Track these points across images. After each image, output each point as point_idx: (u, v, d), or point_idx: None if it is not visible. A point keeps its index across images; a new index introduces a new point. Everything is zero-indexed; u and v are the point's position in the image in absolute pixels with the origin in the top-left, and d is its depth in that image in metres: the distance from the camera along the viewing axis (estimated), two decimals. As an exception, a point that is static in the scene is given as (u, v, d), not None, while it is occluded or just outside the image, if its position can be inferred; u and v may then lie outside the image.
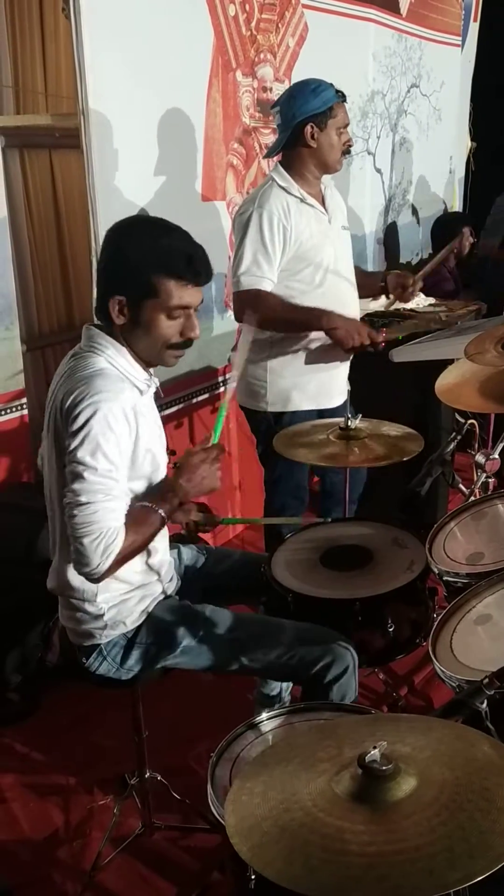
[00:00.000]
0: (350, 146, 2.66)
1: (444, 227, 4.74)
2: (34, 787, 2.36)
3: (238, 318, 2.75)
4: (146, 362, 1.79)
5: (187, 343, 1.76)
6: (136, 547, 1.70)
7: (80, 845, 2.15)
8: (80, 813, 2.25)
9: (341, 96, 2.58)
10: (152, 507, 1.73)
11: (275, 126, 2.67)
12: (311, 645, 1.82)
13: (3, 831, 2.21)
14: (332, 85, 2.57)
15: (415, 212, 5.07)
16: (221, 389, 3.52)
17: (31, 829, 2.22)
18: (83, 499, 1.62)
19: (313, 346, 2.67)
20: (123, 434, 1.66)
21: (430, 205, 5.28)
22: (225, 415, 1.94)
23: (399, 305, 3.12)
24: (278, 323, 2.60)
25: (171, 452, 1.92)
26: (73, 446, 1.63)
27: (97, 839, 2.13)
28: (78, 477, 1.63)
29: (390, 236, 4.80)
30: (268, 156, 2.85)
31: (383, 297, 3.01)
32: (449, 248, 3.01)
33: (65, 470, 1.66)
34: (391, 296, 2.95)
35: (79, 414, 1.62)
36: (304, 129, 2.55)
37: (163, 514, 1.73)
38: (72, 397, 1.64)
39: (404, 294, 2.92)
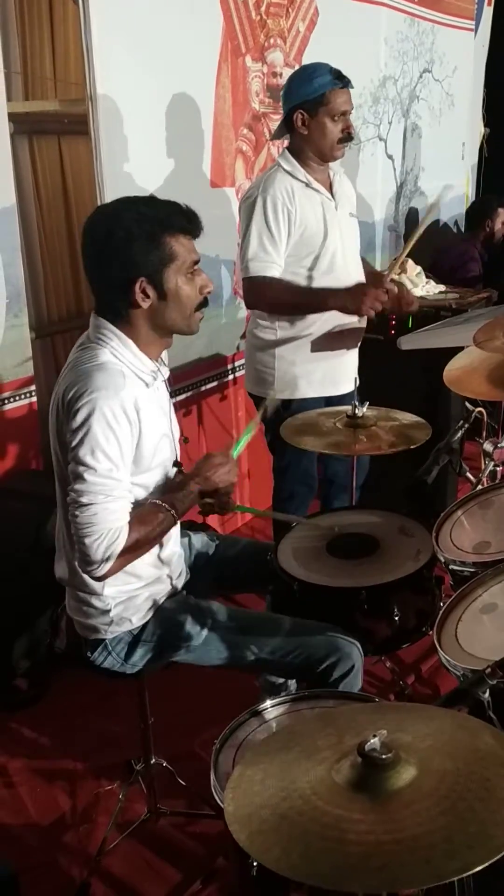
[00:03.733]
0: (349, 133, 2.58)
1: (480, 207, 4.71)
2: (41, 772, 2.37)
3: (248, 305, 2.74)
4: (179, 331, 1.76)
5: (206, 301, 1.75)
6: (142, 545, 1.69)
7: (86, 830, 2.17)
8: (87, 798, 2.27)
9: (342, 82, 2.52)
10: (163, 506, 1.71)
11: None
12: (318, 643, 1.82)
13: (10, 816, 2.23)
14: (331, 70, 2.51)
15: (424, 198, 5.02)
16: (230, 377, 3.52)
17: (38, 813, 2.24)
18: (84, 499, 1.62)
19: (320, 333, 2.66)
20: (125, 432, 1.65)
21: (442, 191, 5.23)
22: (251, 435, 1.92)
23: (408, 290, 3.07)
24: (287, 307, 2.59)
25: (176, 465, 1.90)
26: (73, 445, 1.62)
27: (103, 824, 2.15)
28: (79, 477, 1.62)
29: (406, 223, 4.77)
30: (272, 138, 2.79)
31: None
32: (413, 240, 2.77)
33: (67, 466, 1.66)
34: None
35: (78, 410, 1.61)
36: (293, 116, 2.54)
37: (174, 513, 1.72)
38: (72, 391, 1.63)
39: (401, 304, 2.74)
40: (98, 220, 1.70)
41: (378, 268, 3.70)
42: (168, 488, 1.79)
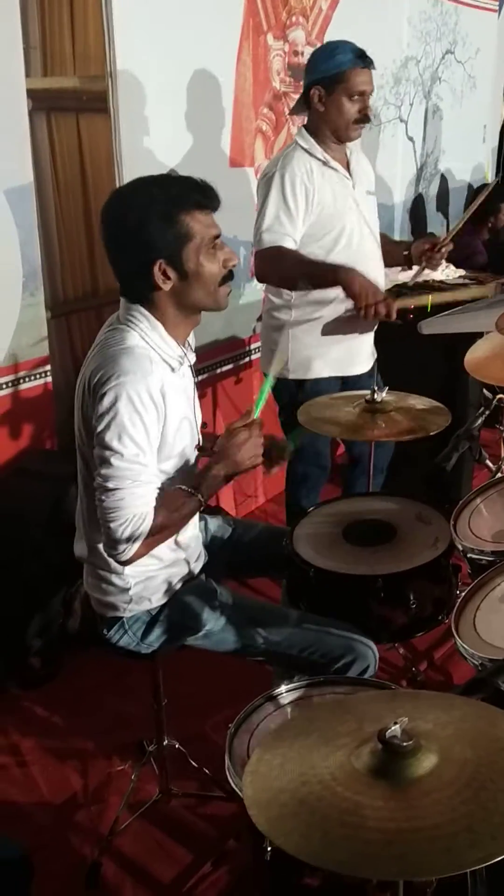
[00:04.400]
0: (365, 114, 2.53)
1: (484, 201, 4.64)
2: (54, 751, 2.38)
3: (259, 277, 2.72)
4: (206, 308, 1.73)
5: (231, 274, 1.71)
6: (168, 530, 1.69)
7: (97, 810, 2.18)
8: (99, 778, 2.28)
9: (364, 62, 2.48)
10: (189, 492, 1.70)
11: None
12: (335, 642, 1.81)
13: (23, 794, 2.24)
14: (354, 49, 2.48)
15: (445, 180, 4.97)
16: (246, 360, 3.49)
17: (50, 792, 2.25)
18: (111, 484, 1.61)
19: (333, 316, 2.64)
20: (151, 417, 1.63)
21: (462, 173, 5.18)
22: (269, 389, 1.87)
23: (428, 275, 3.05)
24: (296, 278, 2.55)
25: (200, 449, 1.88)
26: (99, 429, 1.61)
27: (115, 804, 2.15)
28: (105, 462, 1.61)
29: (418, 207, 4.72)
30: (291, 113, 2.75)
31: (412, 269, 2.94)
32: (472, 210, 2.87)
33: (93, 450, 1.65)
34: (417, 264, 2.87)
35: (104, 394, 1.59)
36: (310, 93, 2.51)
37: (200, 497, 1.71)
38: (98, 375, 1.61)
39: (432, 257, 2.77)
40: (113, 205, 1.68)
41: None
42: (195, 473, 1.77)
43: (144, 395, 1.61)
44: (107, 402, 1.59)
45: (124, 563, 1.70)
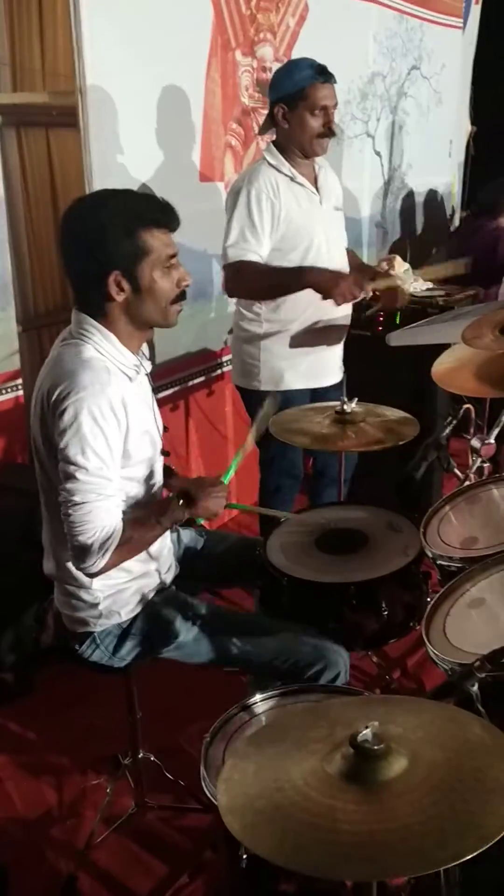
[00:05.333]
0: (329, 128, 2.56)
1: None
2: (28, 766, 2.37)
3: (228, 292, 2.75)
4: (156, 324, 1.76)
5: (184, 294, 1.75)
6: (134, 545, 1.71)
7: (73, 824, 2.17)
8: (74, 792, 2.27)
9: (324, 77, 2.51)
10: (154, 518, 1.73)
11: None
12: (306, 650, 1.82)
13: (-3, 809, 2.23)
14: (313, 65, 2.51)
15: (411, 195, 5.03)
16: (218, 372, 3.51)
17: (25, 807, 2.23)
18: (77, 498, 1.62)
19: (304, 326, 2.67)
20: (112, 429, 1.65)
21: (429, 188, 5.25)
22: (240, 461, 1.93)
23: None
24: (263, 289, 2.60)
25: (164, 453, 1.91)
26: (62, 445, 1.62)
27: (90, 818, 2.15)
28: (70, 477, 1.62)
29: (393, 220, 4.79)
30: (258, 133, 2.79)
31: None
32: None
33: (57, 464, 1.66)
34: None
35: (65, 410, 1.60)
36: (274, 111, 2.56)
37: (165, 525, 1.74)
38: (57, 391, 1.62)
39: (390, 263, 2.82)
40: (74, 214, 1.70)
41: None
42: (157, 502, 1.81)
43: (105, 407, 1.62)
44: (67, 417, 1.60)
45: (94, 576, 1.70)
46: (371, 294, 2.64)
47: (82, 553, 1.64)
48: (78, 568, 1.69)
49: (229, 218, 2.58)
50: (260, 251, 2.56)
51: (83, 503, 1.62)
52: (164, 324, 1.76)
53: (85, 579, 1.77)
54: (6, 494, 2.70)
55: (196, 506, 1.72)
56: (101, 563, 1.65)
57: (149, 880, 2.00)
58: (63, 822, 2.18)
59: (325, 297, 2.54)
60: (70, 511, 1.63)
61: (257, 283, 2.58)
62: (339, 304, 2.56)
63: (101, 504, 1.64)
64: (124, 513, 1.72)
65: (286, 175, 2.60)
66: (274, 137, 2.67)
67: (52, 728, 2.51)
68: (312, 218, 2.64)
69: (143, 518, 1.73)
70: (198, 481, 1.80)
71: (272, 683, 2.20)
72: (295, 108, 2.53)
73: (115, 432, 1.66)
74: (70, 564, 1.76)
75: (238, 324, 2.79)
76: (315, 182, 2.68)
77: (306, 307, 2.64)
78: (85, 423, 1.60)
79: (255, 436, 2.02)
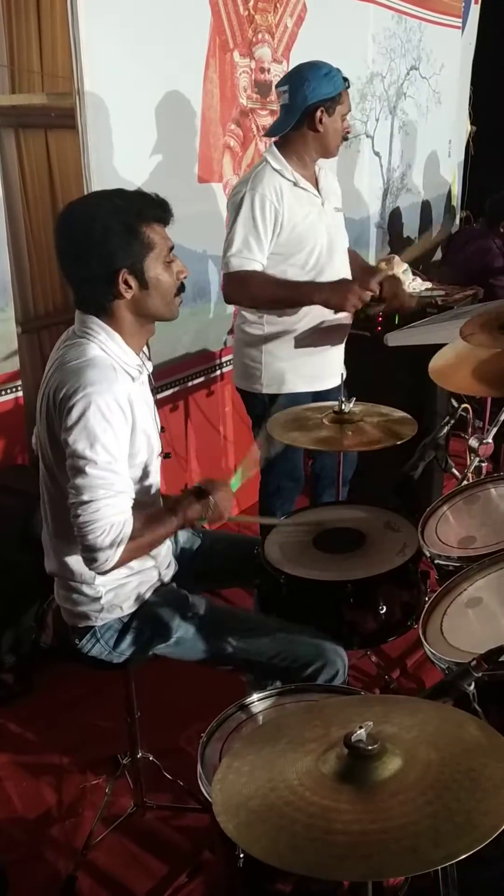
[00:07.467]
0: (349, 133, 2.66)
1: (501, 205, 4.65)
2: (27, 766, 2.37)
3: (228, 300, 2.75)
4: (161, 318, 1.79)
5: (183, 286, 1.79)
6: (146, 541, 1.73)
7: (72, 824, 2.17)
8: (73, 792, 2.27)
9: (347, 83, 2.58)
10: (168, 514, 1.76)
11: (280, 105, 2.61)
12: (304, 648, 1.83)
13: (-3, 810, 2.23)
14: (340, 70, 2.57)
15: (411, 195, 5.03)
16: (217, 372, 3.52)
17: (24, 807, 2.24)
18: (85, 497, 1.63)
19: (307, 328, 2.67)
20: (120, 424, 1.66)
21: (429, 188, 5.25)
22: (245, 470, 1.96)
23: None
24: (269, 301, 2.60)
25: (166, 455, 1.92)
26: (70, 441, 1.62)
27: (89, 818, 2.15)
28: (79, 472, 1.63)
29: (394, 220, 4.78)
30: (269, 134, 2.76)
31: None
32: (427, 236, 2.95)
33: (63, 464, 1.67)
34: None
35: (72, 407, 1.61)
36: (314, 113, 2.54)
37: (178, 522, 1.77)
38: (64, 390, 1.63)
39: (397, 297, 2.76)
40: (73, 216, 1.71)
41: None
42: (171, 498, 1.84)
43: (112, 403, 1.63)
44: (76, 413, 1.61)
45: (106, 573, 1.71)
46: (377, 292, 2.62)
47: (93, 552, 1.65)
48: (90, 568, 1.70)
49: (232, 224, 2.56)
50: (263, 260, 2.57)
51: (91, 501, 1.63)
52: (168, 316, 1.79)
53: (87, 574, 1.78)
54: (5, 495, 2.71)
55: (209, 502, 1.75)
56: (114, 559, 1.66)
57: (148, 880, 2.01)
58: (62, 822, 2.18)
59: (337, 312, 2.56)
60: (79, 512, 1.64)
61: (262, 295, 2.58)
62: (350, 312, 2.59)
63: (110, 501, 1.64)
64: (133, 512, 1.72)
65: (289, 180, 2.59)
66: (275, 139, 2.66)
67: (51, 728, 2.51)
68: (315, 221, 2.63)
69: (156, 514, 1.75)
70: (210, 480, 1.83)
71: (271, 682, 2.22)
72: (332, 112, 2.56)
73: (123, 428, 1.67)
74: (71, 560, 1.78)
75: (240, 326, 2.79)
76: (316, 184, 2.68)
77: (309, 309, 2.63)
78: (93, 418, 1.61)
79: (261, 462, 2.06)
